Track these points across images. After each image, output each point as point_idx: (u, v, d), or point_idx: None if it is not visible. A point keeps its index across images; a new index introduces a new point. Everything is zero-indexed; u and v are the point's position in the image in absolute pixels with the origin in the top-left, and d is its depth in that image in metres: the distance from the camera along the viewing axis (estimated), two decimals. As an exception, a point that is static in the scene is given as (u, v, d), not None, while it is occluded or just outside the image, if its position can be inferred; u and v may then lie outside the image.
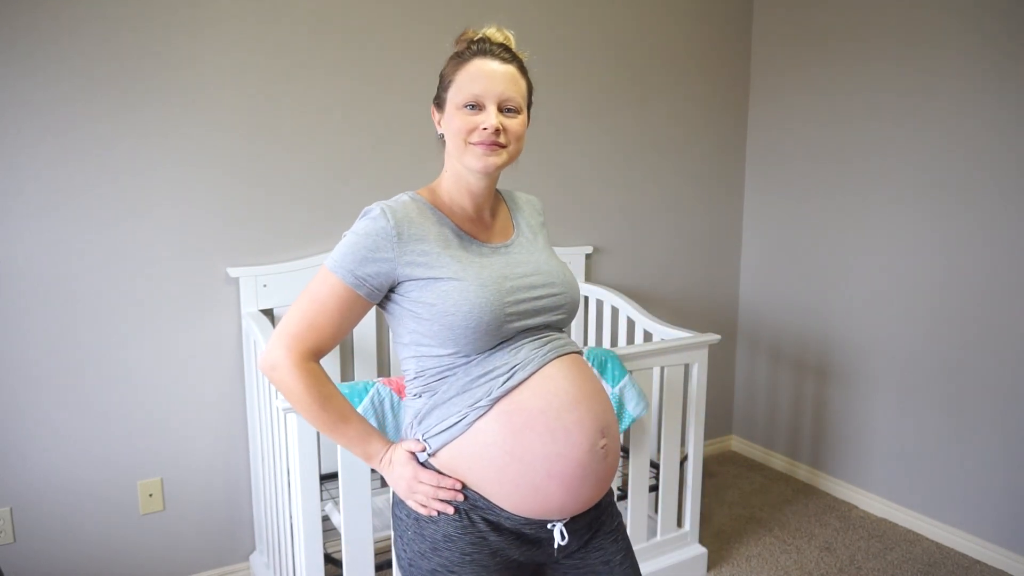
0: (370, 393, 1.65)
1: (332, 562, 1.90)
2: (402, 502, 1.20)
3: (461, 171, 1.20)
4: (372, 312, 2.38)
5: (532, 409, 1.11)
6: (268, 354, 1.15)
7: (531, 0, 2.61)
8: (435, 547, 1.14)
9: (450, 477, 1.14)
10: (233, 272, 2.17)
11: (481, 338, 1.11)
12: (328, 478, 2.28)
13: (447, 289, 1.11)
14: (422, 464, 1.17)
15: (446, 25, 2.42)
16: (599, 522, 1.24)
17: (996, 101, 2.33)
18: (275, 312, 2.24)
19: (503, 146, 1.16)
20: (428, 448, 1.16)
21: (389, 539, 2.27)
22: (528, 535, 1.16)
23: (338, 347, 2.34)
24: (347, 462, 1.65)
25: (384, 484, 2.36)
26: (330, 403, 1.15)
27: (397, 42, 2.37)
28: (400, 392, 1.73)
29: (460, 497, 1.14)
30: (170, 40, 2.04)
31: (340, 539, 1.72)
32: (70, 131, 1.95)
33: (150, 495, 2.16)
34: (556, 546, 1.17)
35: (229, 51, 2.12)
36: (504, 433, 1.10)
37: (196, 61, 2.08)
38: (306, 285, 1.17)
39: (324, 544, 1.81)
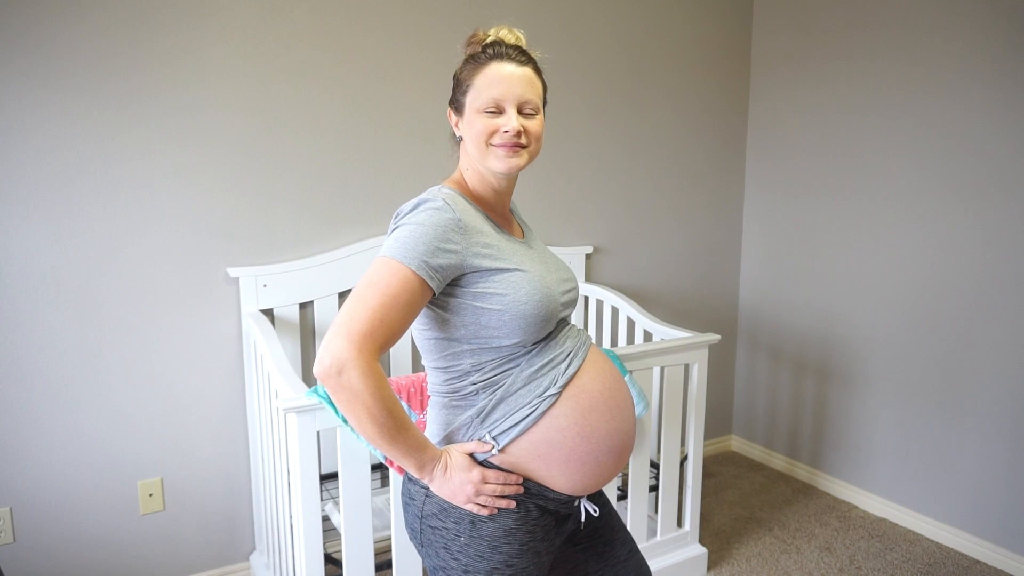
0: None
1: (332, 562, 1.90)
2: (444, 511, 1.16)
3: (484, 171, 1.22)
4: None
5: (593, 391, 1.18)
6: (335, 355, 1.02)
7: (532, 2, 2.61)
8: (494, 545, 1.14)
9: (512, 472, 1.16)
10: (233, 272, 2.17)
11: (544, 326, 1.15)
12: (328, 478, 2.28)
13: (517, 280, 1.13)
14: (481, 463, 1.16)
15: (448, 26, 2.42)
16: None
17: (998, 97, 2.33)
18: (275, 312, 2.24)
19: (524, 147, 1.19)
20: (497, 445, 1.15)
21: (389, 539, 2.27)
22: (562, 513, 1.22)
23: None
24: (347, 462, 1.65)
25: (384, 484, 2.36)
26: (395, 409, 1.06)
27: (398, 43, 2.37)
28: (400, 391, 1.73)
29: (521, 491, 1.16)
30: (171, 40, 2.04)
31: (340, 539, 1.72)
32: (70, 130, 1.95)
33: (150, 495, 2.16)
34: (583, 520, 1.26)
35: (230, 52, 2.12)
36: (574, 416, 1.15)
37: (197, 61, 2.08)
38: (362, 280, 1.07)
39: (324, 544, 1.81)
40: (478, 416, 1.16)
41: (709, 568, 2.42)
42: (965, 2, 2.38)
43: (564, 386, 1.15)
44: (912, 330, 2.63)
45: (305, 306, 2.31)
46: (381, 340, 1.04)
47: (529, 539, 1.16)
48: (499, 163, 1.17)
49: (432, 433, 1.22)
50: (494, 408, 1.15)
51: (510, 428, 1.14)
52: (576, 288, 1.29)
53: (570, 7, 2.69)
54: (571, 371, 1.16)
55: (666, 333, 2.33)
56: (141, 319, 2.09)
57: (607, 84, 2.82)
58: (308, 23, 2.22)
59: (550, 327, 1.17)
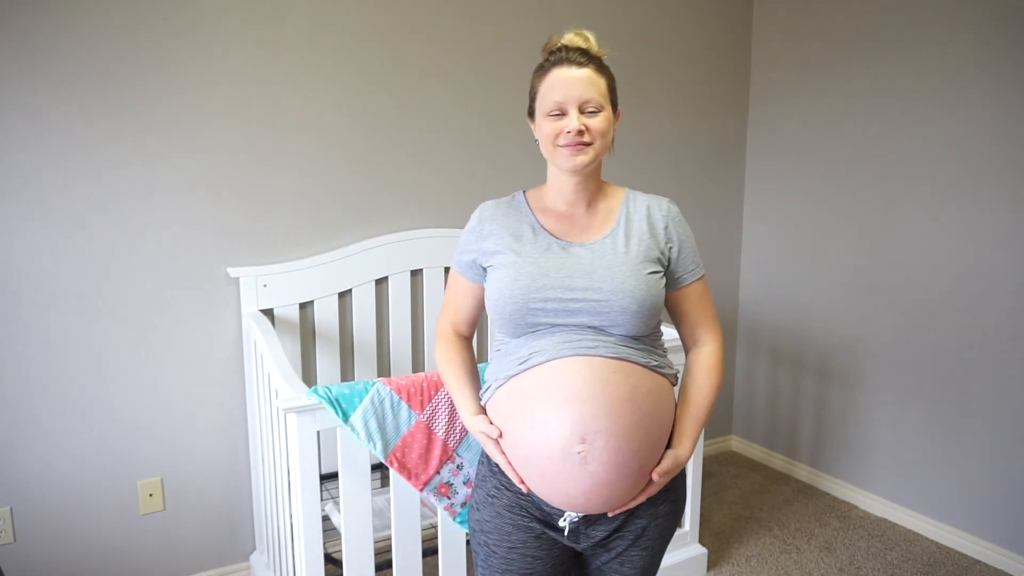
0: (370, 393, 1.65)
1: (332, 562, 1.90)
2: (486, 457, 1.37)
3: (555, 171, 1.32)
4: (371, 313, 2.38)
5: (526, 394, 1.22)
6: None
7: (531, 1, 2.61)
8: (476, 504, 1.34)
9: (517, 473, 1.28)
10: (233, 272, 2.17)
11: (508, 324, 1.26)
12: (328, 478, 2.28)
13: (495, 277, 1.28)
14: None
15: (449, 28, 2.43)
16: (623, 528, 1.28)
17: (995, 100, 2.33)
18: (275, 312, 2.24)
19: (589, 144, 1.24)
20: (484, 396, 1.34)
21: (389, 539, 2.27)
22: (542, 517, 1.27)
23: (337, 346, 2.35)
24: (347, 462, 1.65)
25: (384, 484, 2.36)
26: (444, 368, 1.40)
27: (398, 45, 2.37)
28: (400, 392, 1.74)
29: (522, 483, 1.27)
30: (171, 41, 2.04)
31: (340, 539, 1.72)
32: (70, 131, 1.95)
33: (150, 495, 2.16)
34: (565, 530, 1.26)
35: (230, 52, 2.12)
36: (504, 409, 1.25)
37: (196, 62, 2.08)
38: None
39: (324, 544, 1.81)
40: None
41: (709, 568, 2.42)
42: (964, 7, 2.38)
43: (510, 377, 1.25)
44: (912, 330, 2.63)
45: (305, 306, 2.31)
46: (452, 320, 1.42)
47: (496, 519, 1.29)
48: (565, 162, 1.25)
49: None
50: (493, 368, 1.33)
51: (487, 388, 1.32)
52: (605, 301, 1.21)
53: (572, 8, 2.69)
54: (520, 368, 1.24)
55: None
56: (142, 319, 2.09)
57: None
58: (308, 25, 2.22)
59: (524, 326, 1.25)
